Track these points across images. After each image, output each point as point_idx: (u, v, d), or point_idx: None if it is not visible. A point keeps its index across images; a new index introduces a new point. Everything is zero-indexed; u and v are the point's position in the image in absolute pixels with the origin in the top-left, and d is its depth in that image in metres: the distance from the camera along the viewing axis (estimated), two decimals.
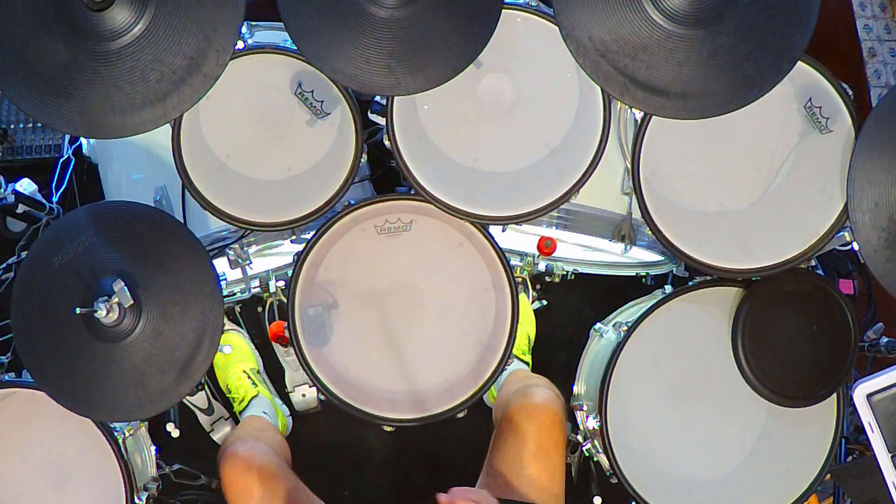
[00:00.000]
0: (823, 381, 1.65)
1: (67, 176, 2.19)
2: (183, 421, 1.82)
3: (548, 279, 2.03)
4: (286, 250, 1.83)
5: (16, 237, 2.14)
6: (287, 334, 1.66)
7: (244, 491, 1.56)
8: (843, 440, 1.68)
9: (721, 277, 1.66)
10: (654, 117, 1.54)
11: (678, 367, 1.74)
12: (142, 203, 1.53)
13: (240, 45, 1.51)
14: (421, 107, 1.65)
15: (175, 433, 1.77)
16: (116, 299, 1.36)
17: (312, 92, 1.63)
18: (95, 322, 1.38)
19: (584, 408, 1.78)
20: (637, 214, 1.66)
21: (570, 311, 2.23)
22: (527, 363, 2.09)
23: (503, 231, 1.78)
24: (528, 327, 2.13)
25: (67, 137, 2.22)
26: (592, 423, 1.70)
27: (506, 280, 1.67)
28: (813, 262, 1.69)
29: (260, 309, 2.07)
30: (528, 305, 2.09)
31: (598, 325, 1.90)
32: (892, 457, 1.40)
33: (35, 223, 2.10)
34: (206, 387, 1.91)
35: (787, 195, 1.65)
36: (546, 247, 1.87)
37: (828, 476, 1.68)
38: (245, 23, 1.53)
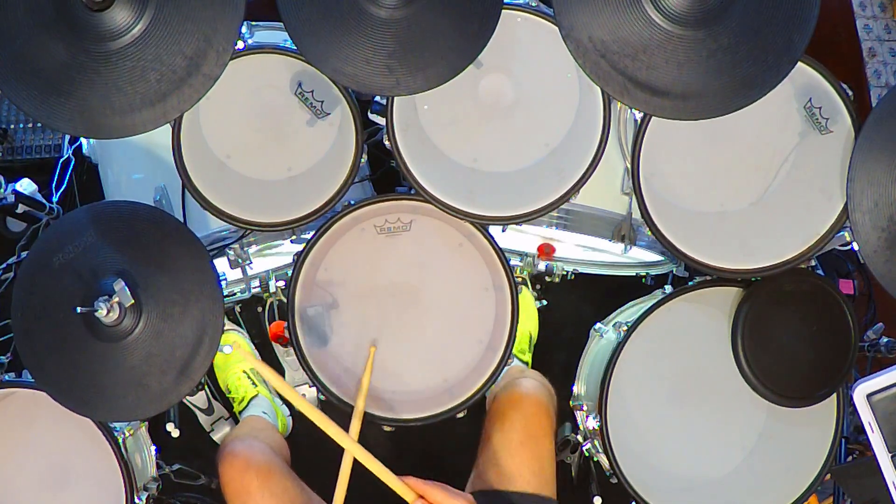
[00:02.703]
0: (823, 381, 1.65)
1: (67, 176, 2.19)
2: (183, 421, 1.82)
3: (548, 279, 2.03)
4: (286, 250, 1.83)
5: (16, 237, 2.15)
6: (287, 334, 1.66)
7: (243, 490, 1.56)
8: (843, 440, 1.69)
9: (721, 277, 1.66)
10: (654, 117, 1.54)
11: (678, 367, 1.74)
12: (142, 203, 1.53)
13: (240, 45, 1.51)
14: (421, 107, 1.65)
15: (175, 433, 1.78)
16: (117, 299, 1.36)
17: (312, 92, 1.63)
18: (96, 322, 1.38)
19: (584, 408, 1.78)
20: (637, 214, 1.66)
21: (570, 311, 2.23)
22: (525, 363, 2.09)
23: (503, 231, 1.78)
24: (530, 325, 2.13)
25: (67, 137, 2.22)
26: (592, 423, 1.70)
27: (506, 280, 1.67)
28: (813, 262, 1.69)
29: (260, 309, 2.07)
30: (531, 302, 2.09)
31: (598, 325, 1.90)
32: (892, 457, 1.40)
33: (35, 223, 2.11)
34: (206, 387, 1.92)
35: (787, 195, 1.65)
36: (545, 252, 1.87)
37: (828, 476, 1.68)
38: (245, 23, 1.53)
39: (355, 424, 1.54)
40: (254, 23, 1.72)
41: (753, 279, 1.66)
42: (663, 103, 1.43)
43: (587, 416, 1.73)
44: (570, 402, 1.83)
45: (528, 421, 1.59)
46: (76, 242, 1.46)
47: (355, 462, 1.42)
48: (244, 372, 2.06)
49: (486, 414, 1.70)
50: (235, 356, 2.08)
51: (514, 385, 1.66)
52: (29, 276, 1.47)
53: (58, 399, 1.45)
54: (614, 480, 1.67)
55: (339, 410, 1.63)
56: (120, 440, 1.54)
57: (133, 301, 1.38)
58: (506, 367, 1.69)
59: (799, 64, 1.48)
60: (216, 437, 2.02)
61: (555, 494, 1.58)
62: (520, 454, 1.57)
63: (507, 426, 1.59)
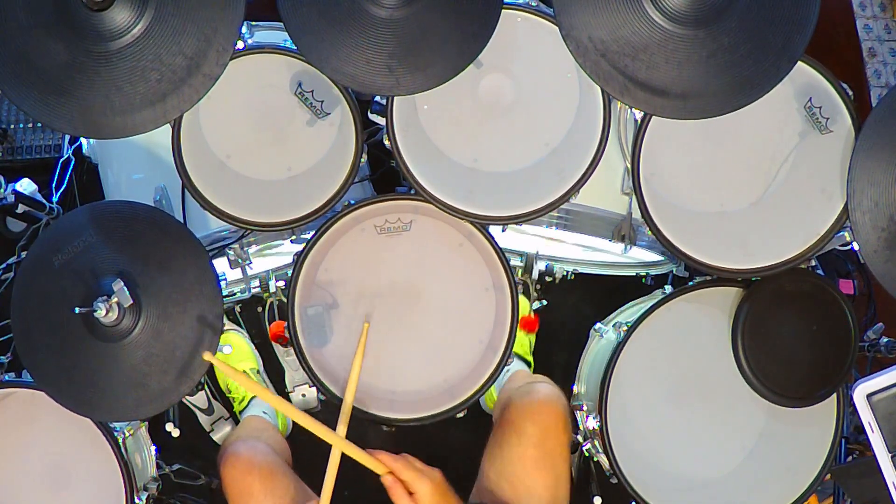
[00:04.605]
0: (823, 381, 1.65)
1: (67, 176, 2.19)
2: (183, 421, 1.82)
3: (548, 279, 2.03)
4: (286, 250, 1.83)
5: (16, 237, 2.15)
6: (287, 334, 1.66)
7: (245, 491, 1.56)
8: (843, 440, 1.68)
9: (721, 277, 1.66)
10: (654, 117, 1.54)
11: (678, 367, 1.74)
12: (142, 203, 1.53)
13: (240, 45, 1.51)
14: (421, 107, 1.65)
15: (175, 433, 1.77)
16: (116, 299, 1.36)
17: (312, 92, 1.63)
18: (95, 322, 1.38)
19: (584, 408, 1.78)
20: (637, 214, 1.66)
21: (570, 311, 2.23)
22: (528, 363, 2.09)
23: (503, 231, 1.78)
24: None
25: (67, 137, 2.22)
26: (592, 423, 1.70)
27: (506, 280, 1.67)
28: (813, 262, 1.69)
29: (260, 309, 2.07)
30: (527, 309, 2.08)
31: (598, 325, 1.90)
32: (892, 457, 1.40)
33: (35, 223, 2.11)
34: (206, 387, 1.91)
35: (787, 195, 1.65)
36: (528, 325, 1.94)
37: (828, 476, 1.68)
38: (245, 23, 1.53)
39: (348, 397, 1.51)
40: (254, 23, 1.72)
41: (753, 279, 1.66)
42: (663, 103, 1.43)
43: (587, 416, 1.73)
44: (570, 402, 1.83)
45: (546, 435, 1.53)
46: (76, 242, 1.46)
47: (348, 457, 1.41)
48: (244, 372, 2.05)
49: (495, 420, 1.68)
50: (236, 356, 2.08)
51: (530, 392, 1.60)
52: (29, 276, 1.47)
53: (57, 399, 1.45)
54: (614, 480, 1.67)
55: (339, 411, 1.63)
56: (120, 440, 1.54)
57: (132, 301, 1.38)
58: (506, 367, 1.69)
59: (799, 64, 1.48)
60: (216, 437, 2.02)
61: None
62: (535, 471, 1.51)
63: (524, 440, 1.53)
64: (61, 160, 2.19)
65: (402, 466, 1.34)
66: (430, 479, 1.33)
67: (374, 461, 1.36)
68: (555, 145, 1.67)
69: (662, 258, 1.95)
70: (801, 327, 1.66)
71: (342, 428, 1.46)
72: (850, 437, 1.72)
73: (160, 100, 1.41)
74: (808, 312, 1.66)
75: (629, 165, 1.59)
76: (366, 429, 1.57)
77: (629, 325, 1.67)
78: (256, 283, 1.89)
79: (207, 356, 1.36)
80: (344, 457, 1.40)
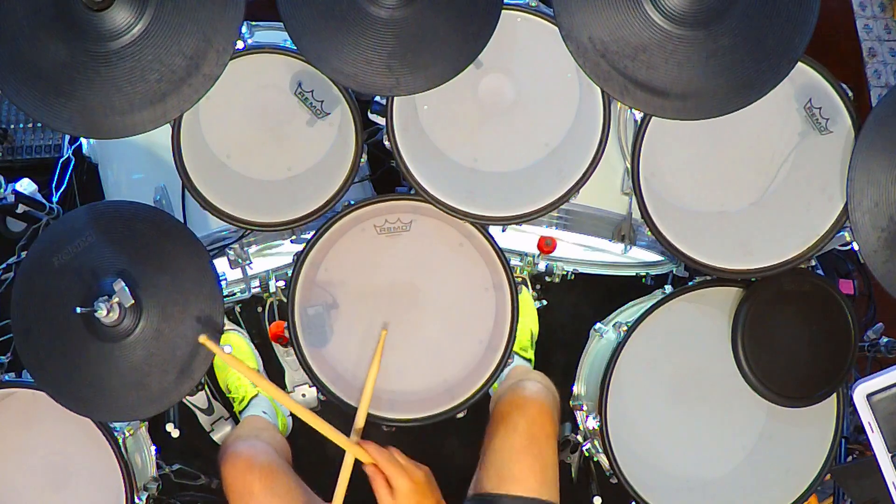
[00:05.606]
0: (823, 381, 1.65)
1: (67, 176, 2.19)
2: (183, 421, 1.82)
3: (548, 279, 2.03)
4: (286, 250, 1.83)
5: (16, 237, 2.15)
6: (287, 334, 1.66)
7: (245, 490, 1.56)
8: (843, 440, 1.69)
9: (721, 277, 1.66)
10: (654, 117, 1.54)
11: (678, 367, 1.74)
12: (142, 203, 1.53)
13: (240, 45, 1.51)
14: (421, 107, 1.65)
15: (175, 433, 1.77)
16: (117, 299, 1.36)
17: (312, 92, 1.63)
18: (96, 322, 1.38)
19: (584, 408, 1.78)
20: (637, 214, 1.66)
21: (570, 311, 2.23)
22: (528, 360, 2.09)
23: (503, 231, 1.78)
24: (530, 323, 2.13)
25: (67, 137, 2.22)
26: (592, 423, 1.70)
27: (505, 280, 1.67)
28: (813, 262, 1.69)
29: (260, 309, 2.07)
30: (530, 301, 2.09)
31: (598, 325, 1.90)
32: (892, 457, 1.40)
33: (35, 223, 2.11)
34: (206, 387, 1.91)
35: (787, 195, 1.65)
36: (546, 245, 1.87)
37: (828, 476, 1.68)
38: (245, 23, 1.53)
39: (362, 409, 1.52)
40: (254, 23, 1.72)
41: (753, 279, 1.66)
42: (663, 103, 1.43)
43: (587, 416, 1.73)
44: (570, 402, 1.83)
45: (530, 424, 1.58)
46: (76, 242, 1.46)
47: (358, 460, 1.42)
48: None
49: (488, 415, 1.70)
50: (236, 356, 2.08)
51: (517, 387, 1.65)
52: (29, 276, 1.47)
53: (58, 399, 1.45)
54: (614, 480, 1.67)
55: (339, 411, 1.63)
56: (120, 440, 1.54)
57: (133, 301, 1.38)
58: (506, 367, 1.69)
59: (799, 64, 1.48)
60: (216, 437, 2.02)
61: (557, 499, 1.57)
62: (522, 458, 1.56)
63: (510, 429, 1.58)
64: (61, 160, 2.19)
65: (386, 460, 1.35)
66: (409, 477, 1.34)
67: (360, 450, 1.37)
68: (555, 145, 1.67)
69: (662, 258, 1.95)
70: (801, 327, 1.66)
71: (355, 436, 1.48)
72: (850, 437, 1.73)
73: (160, 100, 1.41)
74: (808, 312, 1.66)
75: (629, 165, 1.59)
76: (366, 429, 1.57)
77: (629, 325, 1.67)
78: (256, 283, 1.89)
79: (203, 339, 1.38)
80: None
